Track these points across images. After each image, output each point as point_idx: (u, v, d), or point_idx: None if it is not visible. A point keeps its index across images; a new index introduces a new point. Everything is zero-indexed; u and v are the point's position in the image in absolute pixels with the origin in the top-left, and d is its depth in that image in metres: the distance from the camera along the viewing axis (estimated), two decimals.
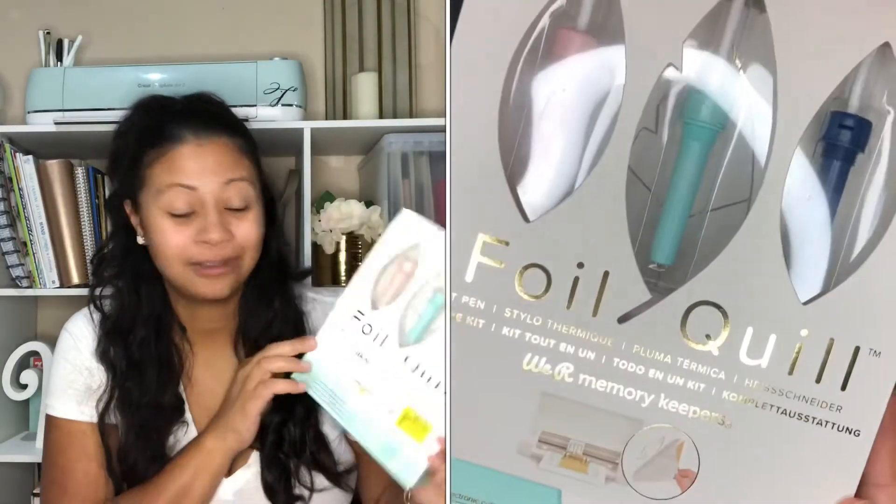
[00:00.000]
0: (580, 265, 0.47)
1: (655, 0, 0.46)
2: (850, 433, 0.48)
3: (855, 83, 0.47)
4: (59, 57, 1.74)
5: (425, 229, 0.80)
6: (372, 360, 0.84)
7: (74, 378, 1.06)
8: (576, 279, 0.47)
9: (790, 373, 0.48)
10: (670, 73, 0.47)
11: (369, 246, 1.67)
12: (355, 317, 0.88)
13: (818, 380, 0.48)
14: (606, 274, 0.47)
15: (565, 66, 0.48)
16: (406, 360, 0.79)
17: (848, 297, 0.47)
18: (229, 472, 1.03)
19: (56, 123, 1.61)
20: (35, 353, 1.71)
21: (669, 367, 0.48)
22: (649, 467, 0.50)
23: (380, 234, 1.63)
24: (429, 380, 0.77)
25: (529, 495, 0.50)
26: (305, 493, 1.03)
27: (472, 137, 0.45)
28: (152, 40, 1.87)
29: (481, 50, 0.46)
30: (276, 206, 1.13)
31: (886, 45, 0.45)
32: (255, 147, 1.08)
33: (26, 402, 1.73)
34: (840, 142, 0.48)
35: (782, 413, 0.48)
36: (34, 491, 1.70)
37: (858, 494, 0.50)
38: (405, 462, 0.80)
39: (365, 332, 0.86)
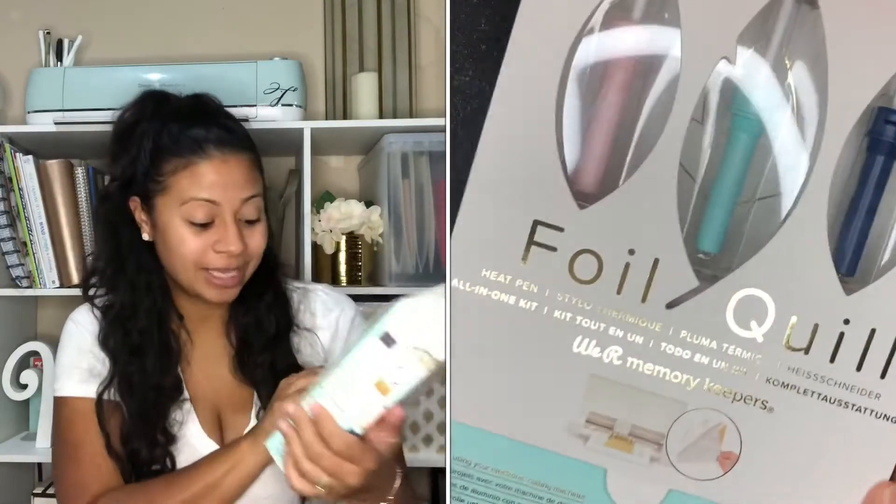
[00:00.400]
0: (631, 252, 0.48)
1: None
2: (888, 420, 0.50)
3: None
4: (59, 57, 1.74)
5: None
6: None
7: (80, 359, 1.11)
8: (626, 265, 0.49)
9: (832, 361, 0.49)
10: (722, 65, 0.49)
11: (369, 246, 1.67)
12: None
13: (859, 368, 0.49)
14: (656, 261, 0.49)
15: (619, 58, 0.50)
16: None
17: (890, 289, 0.49)
18: (222, 442, 1.09)
19: (56, 123, 1.61)
20: (35, 353, 1.71)
21: (715, 352, 0.50)
22: (693, 449, 0.52)
23: (380, 235, 1.65)
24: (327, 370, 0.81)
25: (576, 473, 0.52)
26: None
27: (531, 126, 0.47)
28: (152, 40, 1.87)
29: (537, 44, 0.47)
30: (267, 206, 1.16)
31: None
32: (260, 160, 1.13)
33: (26, 402, 1.74)
34: (885, 137, 0.49)
35: (823, 399, 0.50)
36: (34, 491, 1.70)
37: (894, 478, 0.51)
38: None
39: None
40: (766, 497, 0.52)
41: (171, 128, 1.07)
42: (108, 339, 1.10)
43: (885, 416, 0.50)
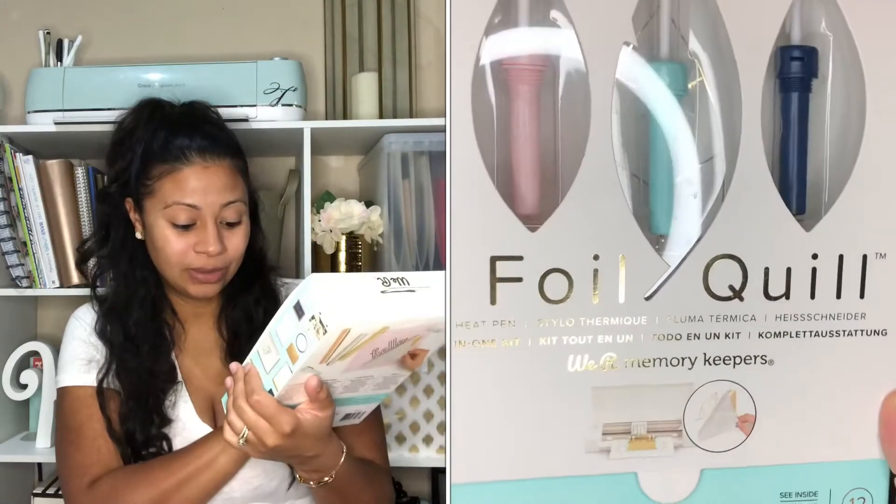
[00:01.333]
0: (596, 258, 0.48)
1: None
2: (878, 334, 0.51)
3: (793, 16, 0.50)
4: (59, 57, 1.74)
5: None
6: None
7: (81, 351, 1.18)
8: (595, 272, 0.49)
9: (812, 297, 0.50)
10: (625, 51, 0.49)
11: (369, 246, 1.67)
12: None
13: (838, 296, 0.51)
14: (622, 258, 0.49)
15: (518, 72, 0.50)
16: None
17: (843, 213, 0.50)
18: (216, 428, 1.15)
19: (56, 123, 1.61)
20: (35, 353, 1.71)
21: (704, 325, 0.50)
22: (711, 424, 0.53)
23: (380, 235, 1.65)
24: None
25: (608, 488, 0.52)
26: None
27: (463, 159, 0.47)
28: (152, 40, 1.88)
29: (453, 73, 0.47)
30: (258, 208, 1.26)
31: None
32: (246, 164, 1.22)
33: (26, 402, 1.74)
34: (793, 74, 0.51)
35: (815, 335, 0.51)
36: (34, 491, 1.70)
37: None
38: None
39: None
40: (794, 442, 0.53)
41: (159, 135, 1.16)
42: (105, 329, 1.18)
43: (875, 331, 0.51)
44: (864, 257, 0.51)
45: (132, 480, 1.09)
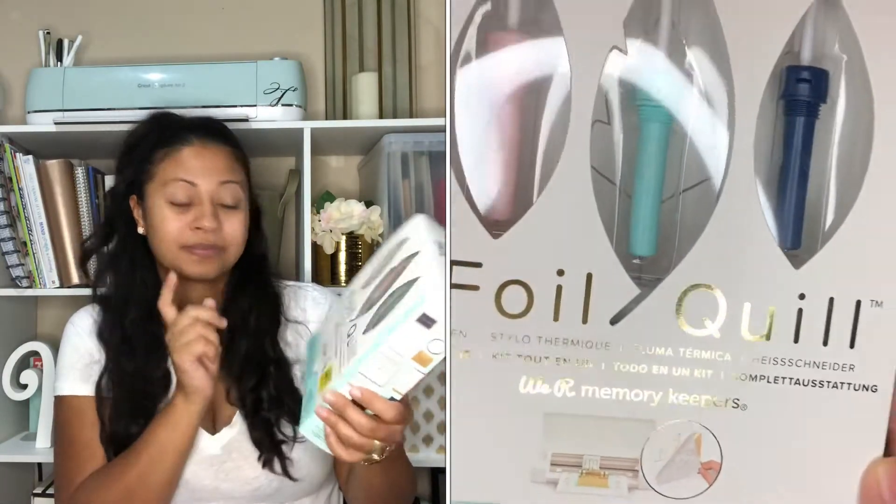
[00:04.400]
0: (560, 273, 0.45)
1: None
2: (867, 390, 0.46)
3: (804, 34, 0.46)
4: (59, 57, 1.74)
5: (414, 227, 0.87)
6: (338, 330, 0.93)
7: (77, 359, 1.19)
8: (559, 288, 0.45)
9: (796, 341, 0.46)
10: (614, 57, 0.45)
11: (369, 246, 1.67)
12: (351, 293, 0.95)
13: (825, 342, 0.46)
14: (590, 276, 0.45)
15: (502, 69, 0.46)
16: (350, 328, 0.88)
17: (839, 252, 0.46)
18: (214, 431, 1.15)
19: (56, 123, 1.61)
20: (35, 353, 1.71)
21: (673, 359, 0.46)
22: (671, 467, 0.49)
23: (380, 235, 1.64)
24: (350, 344, 0.86)
25: None
26: (289, 440, 1.15)
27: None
28: (152, 40, 1.87)
29: (449, 68, 0.45)
30: (261, 216, 1.28)
31: None
32: (247, 162, 1.25)
33: (26, 402, 1.73)
34: (800, 96, 0.46)
35: (796, 383, 0.47)
36: (34, 491, 1.70)
37: (888, 453, 0.48)
38: (307, 411, 0.91)
39: (347, 305, 0.94)
40: (761, 498, 0.49)
41: (167, 131, 1.21)
42: (104, 331, 1.19)
43: (864, 386, 0.46)
44: (858, 303, 0.46)
45: (102, 481, 1.10)
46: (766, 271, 0.46)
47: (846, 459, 0.47)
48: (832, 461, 0.47)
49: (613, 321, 0.46)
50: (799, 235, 0.47)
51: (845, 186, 0.47)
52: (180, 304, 1.19)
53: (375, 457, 0.93)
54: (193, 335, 1.04)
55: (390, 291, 0.84)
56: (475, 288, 0.45)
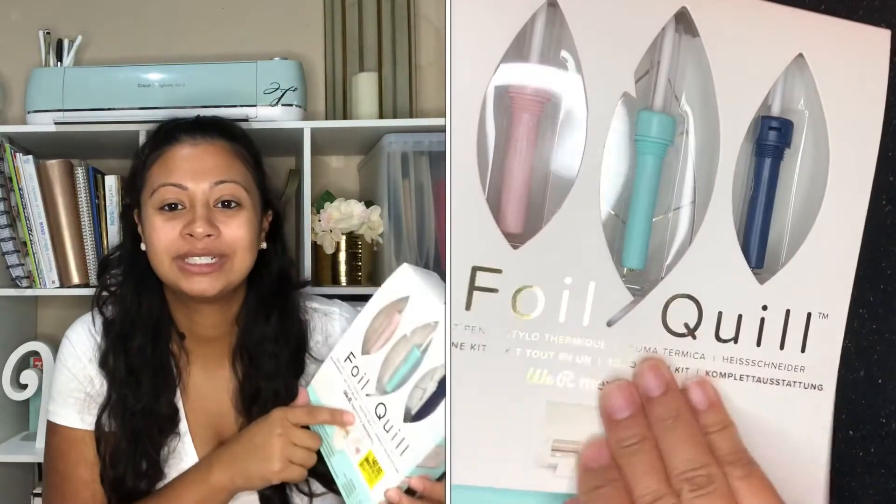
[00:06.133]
0: (568, 281, 0.52)
1: (606, 32, 0.52)
2: (815, 388, 0.55)
3: (776, 91, 0.55)
4: (59, 57, 1.74)
5: (416, 285, 0.85)
6: (354, 402, 0.89)
7: (75, 386, 1.08)
8: (566, 294, 0.52)
9: (758, 345, 0.54)
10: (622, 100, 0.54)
11: (369, 246, 1.67)
12: (348, 358, 0.91)
13: (782, 346, 0.54)
14: (591, 285, 0.52)
15: (524, 101, 0.54)
16: (377, 407, 0.85)
17: (795, 272, 0.54)
18: None
19: (56, 123, 1.61)
20: (35, 353, 1.71)
21: (658, 356, 0.54)
22: None
23: (380, 235, 1.65)
24: (389, 429, 0.84)
25: None
26: (305, 499, 1.05)
27: (460, 170, 0.51)
28: (152, 40, 1.88)
29: (464, 80, 0.51)
30: (281, 222, 1.15)
31: (800, 55, 0.53)
32: (255, 156, 1.11)
33: (26, 402, 1.74)
34: (769, 141, 0.56)
35: (757, 381, 0.54)
36: (34, 491, 1.70)
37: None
38: (357, 501, 0.87)
39: (353, 373, 0.90)
40: None
41: (160, 132, 1.09)
42: (108, 358, 1.07)
43: (812, 385, 0.55)
44: (809, 315, 0.54)
45: None
46: (737, 285, 0.54)
47: (795, 447, 0.55)
48: (784, 448, 0.55)
49: (609, 323, 0.53)
50: (763, 257, 0.56)
51: (802, 218, 0.56)
52: (188, 331, 1.09)
53: None
54: (290, 449, 0.94)
55: (423, 372, 0.82)
56: (495, 291, 0.51)
